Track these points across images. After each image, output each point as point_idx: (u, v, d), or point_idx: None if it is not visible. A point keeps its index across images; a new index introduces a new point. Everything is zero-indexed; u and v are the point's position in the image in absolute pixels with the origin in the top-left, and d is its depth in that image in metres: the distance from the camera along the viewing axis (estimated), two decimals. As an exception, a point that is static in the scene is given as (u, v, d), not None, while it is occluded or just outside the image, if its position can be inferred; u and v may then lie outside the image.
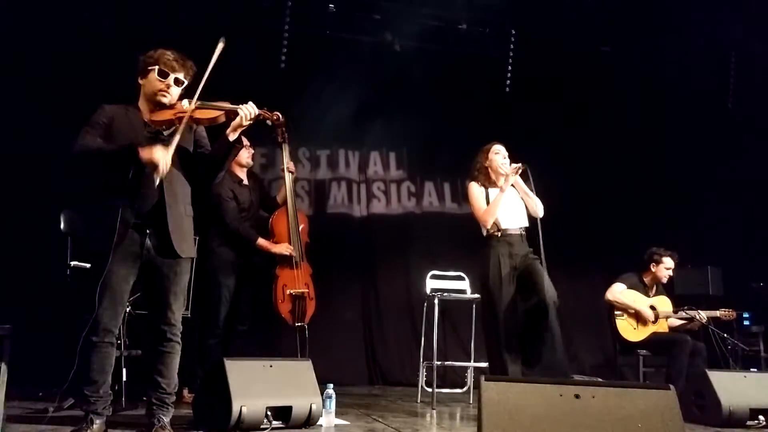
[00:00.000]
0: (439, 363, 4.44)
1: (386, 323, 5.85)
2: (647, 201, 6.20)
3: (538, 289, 3.68)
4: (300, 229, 4.40)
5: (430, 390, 4.42)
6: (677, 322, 4.73)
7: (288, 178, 4.38)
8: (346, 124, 5.94)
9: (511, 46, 6.22)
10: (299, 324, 4.22)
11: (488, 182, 3.96)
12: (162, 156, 2.63)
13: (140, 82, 2.88)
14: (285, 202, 4.40)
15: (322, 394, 3.27)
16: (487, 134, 6.11)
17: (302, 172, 6.03)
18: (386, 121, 6.14)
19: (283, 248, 4.28)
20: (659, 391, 2.18)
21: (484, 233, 3.90)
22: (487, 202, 3.87)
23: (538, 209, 3.86)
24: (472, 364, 4.78)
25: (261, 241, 4.28)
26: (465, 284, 4.92)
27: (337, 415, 3.44)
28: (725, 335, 4.72)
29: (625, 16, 5.82)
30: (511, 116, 6.24)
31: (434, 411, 4.14)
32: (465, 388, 4.96)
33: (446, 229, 6.09)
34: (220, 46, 2.80)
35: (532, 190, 3.84)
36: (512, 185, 3.89)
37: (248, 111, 2.79)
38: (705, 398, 3.77)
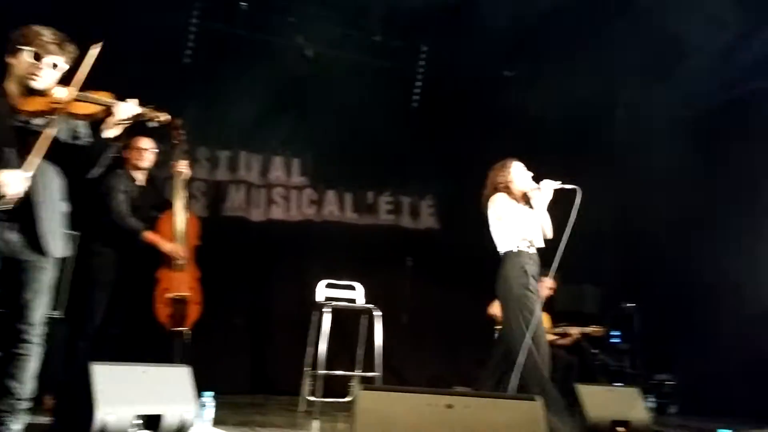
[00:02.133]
0: (324, 372, 4.41)
1: (276, 331, 5.74)
2: None
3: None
4: (188, 231, 4.23)
5: (314, 399, 4.38)
6: (553, 338, 4.98)
7: (177, 179, 4.22)
8: (250, 126, 5.83)
9: (422, 63, 6.37)
10: (178, 329, 4.05)
11: (512, 198, 3.81)
12: (11, 181, 2.42)
13: (9, 61, 2.61)
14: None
15: (198, 402, 3.15)
16: (392, 147, 6.33)
17: (200, 172, 5.83)
18: (293, 126, 6.09)
19: (171, 247, 4.11)
20: (526, 402, 2.28)
21: (509, 249, 3.71)
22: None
23: (551, 230, 3.79)
24: (358, 373, 4.79)
25: (149, 234, 4.09)
26: (357, 294, 4.93)
27: (215, 424, 3.34)
28: (595, 351, 5.03)
29: (528, 44, 6.08)
30: (417, 131, 6.36)
31: (316, 421, 4.11)
32: (350, 398, 4.95)
33: (345, 239, 6.09)
34: (93, 53, 2.63)
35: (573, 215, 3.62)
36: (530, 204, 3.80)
37: (125, 108, 2.63)
38: (576, 408, 3.98)
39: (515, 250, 3.62)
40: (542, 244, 3.71)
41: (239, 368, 5.59)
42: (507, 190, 3.76)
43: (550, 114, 6.38)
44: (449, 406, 2.20)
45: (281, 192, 6.09)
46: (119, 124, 2.64)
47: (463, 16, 5.57)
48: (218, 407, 4.13)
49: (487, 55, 6.22)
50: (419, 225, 6.51)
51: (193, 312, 4.14)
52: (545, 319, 4.99)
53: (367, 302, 4.87)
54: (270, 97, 5.63)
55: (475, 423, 2.19)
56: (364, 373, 4.72)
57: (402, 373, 5.94)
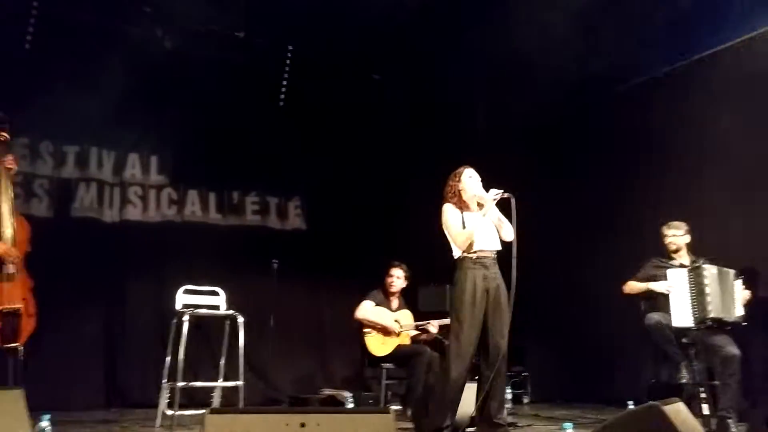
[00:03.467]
0: (183, 384, 4.21)
1: (132, 340, 5.41)
2: (397, 221, 6.43)
3: (490, 341, 3.68)
4: (17, 236, 3.82)
5: (171, 412, 4.16)
6: (415, 333, 5.13)
7: (2, 177, 3.80)
8: (103, 120, 5.44)
9: (288, 62, 6.25)
10: (10, 345, 3.66)
11: (462, 205, 3.86)
12: None
13: None
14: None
15: (35, 426, 2.88)
16: (259, 146, 6.17)
17: (43, 168, 5.39)
18: (150, 121, 5.78)
19: (3, 249, 3.68)
20: (379, 415, 2.29)
21: (457, 255, 3.77)
22: (463, 225, 3.78)
23: (510, 233, 3.80)
24: (220, 384, 4.62)
25: None
26: (219, 300, 4.73)
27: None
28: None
29: (395, 49, 6.17)
30: (284, 130, 6.25)
31: (173, 435, 3.92)
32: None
33: (208, 241, 5.85)
34: None
35: (511, 218, 3.75)
36: (484, 213, 3.79)
37: None
38: (433, 406, 4.08)
39: (460, 256, 3.77)
40: (495, 248, 3.82)
41: (91, 382, 5.24)
42: (456, 197, 3.88)
43: (414, 117, 6.56)
44: (302, 425, 2.16)
45: (138, 191, 5.73)
46: None
47: (329, 17, 5.53)
48: (66, 426, 3.84)
49: (354, 57, 6.26)
50: (286, 226, 6.41)
51: (27, 325, 3.74)
52: (406, 316, 5.13)
53: (232, 307, 4.69)
54: (125, 89, 5.28)
55: (328, 439, 2.17)
56: (226, 383, 4.55)
57: (269, 378, 5.82)
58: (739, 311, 4.25)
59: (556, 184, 6.73)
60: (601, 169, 6.45)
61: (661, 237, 4.63)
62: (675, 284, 4.26)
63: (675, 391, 4.05)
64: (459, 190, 3.90)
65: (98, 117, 5.39)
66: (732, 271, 4.33)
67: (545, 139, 6.97)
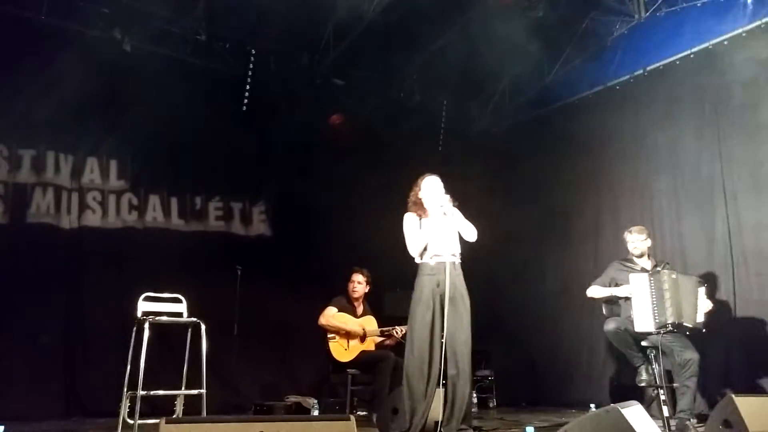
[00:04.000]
0: (144, 393, 4.10)
1: (93, 349, 5.27)
2: (362, 226, 6.41)
3: (449, 347, 3.67)
4: None
5: (132, 421, 4.06)
6: (380, 339, 5.12)
7: None
8: (60, 123, 5.35)
9: (251, 66, 6.19)
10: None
11: (423, 212, 3.88)
12: None
13: None
14: None
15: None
16: (222, 151, 6.09)
17: (-3, 172, 5.22)
18: (109, 125, 5.66)
19: None
20: (340, 422, 2.27)
21: (418, 261, 3.83)
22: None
23: (472, 235, 3.82)
24: (181, 392, 4.52)
25: None
26: (182, 307, 4.62)
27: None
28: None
29: (359, 53, 6.17)
30: (248, 135, 6.18)
31: (133, 445, 3.82)
32: (174, 416, 4.66)
33: (171, 247, 5.76)
34: None
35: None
36: (444, 213, 3.80)
37: None
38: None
39: (420, 262, 3.84)
40: (455, 252, 3.82)
41: (50, 391, 5.09)
42: (417, 205, 3.94)
43: (379, 123, 6.56)
44: (261, 433, 2.13)
45: (96, 196, 5.60)
46: None
47: (292, 20, 5.50)
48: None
49: (315, 62, 6.24)
50: (250, 232, 6.33)
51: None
52: (371, 322, 5.11)
53: (196, 313, 4.59)
54: (83, 92, 5.19)
55: (288, 448, 2.14)
56: (187, 391, 4.45)
57: (234, 386, 5.74)
58: (700, 318, 4.27)
59: (516, 190, 6.81)
60: (561, 177, 6.55)
61: (624, 243, 4.70)
62: (637, 289, 4.29)
63: (636, 394, 4.12)
64: (418, 199, 3.96)
65: (56, 120, 5.31)
66: (695, 278, 4.39)
67: (506, 146, 7.05)
